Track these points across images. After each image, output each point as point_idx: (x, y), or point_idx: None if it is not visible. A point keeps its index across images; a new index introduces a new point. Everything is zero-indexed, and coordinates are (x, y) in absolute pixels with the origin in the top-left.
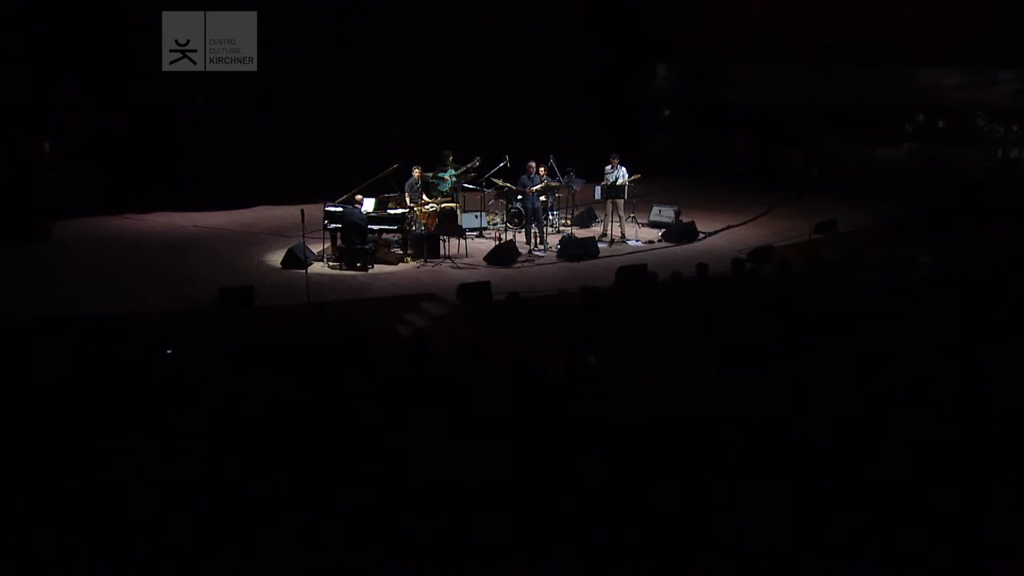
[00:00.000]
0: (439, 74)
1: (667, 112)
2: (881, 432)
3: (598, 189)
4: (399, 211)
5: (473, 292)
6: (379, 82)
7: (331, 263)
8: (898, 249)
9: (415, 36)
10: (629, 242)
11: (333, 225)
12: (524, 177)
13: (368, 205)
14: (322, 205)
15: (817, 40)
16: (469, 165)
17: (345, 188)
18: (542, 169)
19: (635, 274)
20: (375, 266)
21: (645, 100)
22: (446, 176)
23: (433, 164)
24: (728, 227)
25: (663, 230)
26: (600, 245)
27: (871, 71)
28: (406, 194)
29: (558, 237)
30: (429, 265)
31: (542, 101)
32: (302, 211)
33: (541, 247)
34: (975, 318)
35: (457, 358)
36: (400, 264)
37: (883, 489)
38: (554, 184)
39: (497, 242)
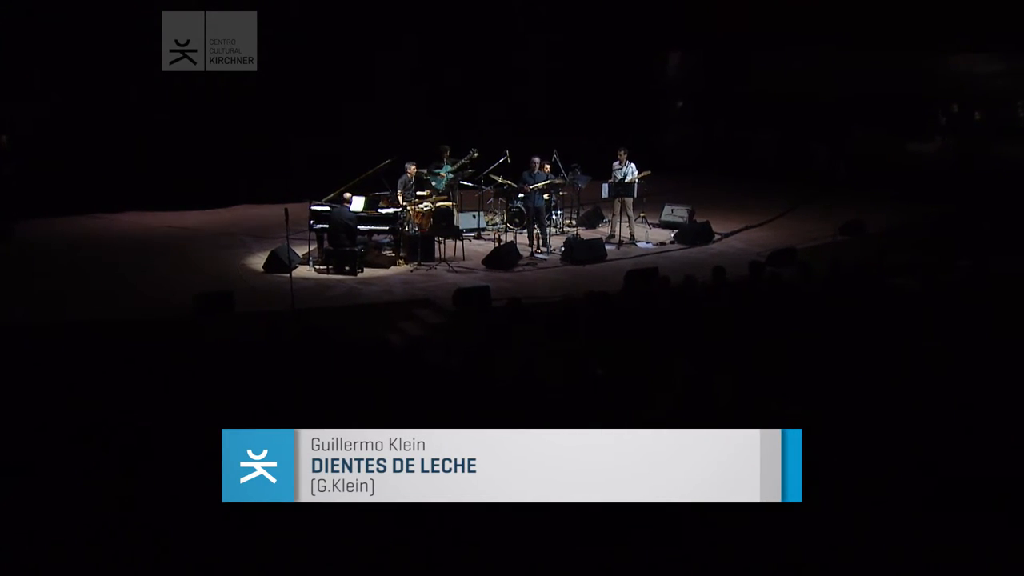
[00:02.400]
0: (438, 67)
1: (680, 103)
2: (913, 447)
3: (605, 187)
4: (391, 211)
5: (471, 298)
6: (375, 75)
7: (317, 266)
8: (933, 252)
9: (411, 28)
10: (639, 244)
11: (319, 225)
12: (525, 173)
13: (357, 204)
14: (308, 204)
15: (843, 25)
16: (465, 159)
17: (333, 186)
18: (546, 166)
19: (645, 278)
20: (365, 270)
21: (657, 90)
22: (442, 172)
23: (429, 160)
24: (746, 228)
25: (676, 231)
26: (608, 247)
27: (902, 58)
28: (399, 192)
29: (562, 239)
30: (423, 269)
31: (543, 94)
32: (286, 210)
33: (543, 250)
34: (1020, 328)
35: (454, 369)
36: (392, 268)
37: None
38: (558, 181)
39: (496, 244)
